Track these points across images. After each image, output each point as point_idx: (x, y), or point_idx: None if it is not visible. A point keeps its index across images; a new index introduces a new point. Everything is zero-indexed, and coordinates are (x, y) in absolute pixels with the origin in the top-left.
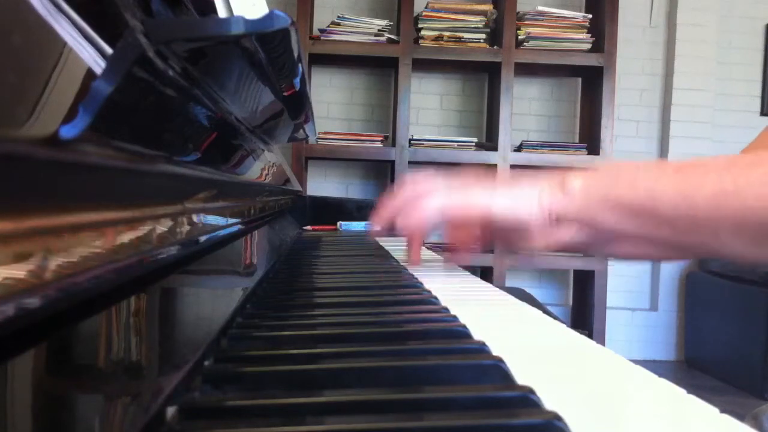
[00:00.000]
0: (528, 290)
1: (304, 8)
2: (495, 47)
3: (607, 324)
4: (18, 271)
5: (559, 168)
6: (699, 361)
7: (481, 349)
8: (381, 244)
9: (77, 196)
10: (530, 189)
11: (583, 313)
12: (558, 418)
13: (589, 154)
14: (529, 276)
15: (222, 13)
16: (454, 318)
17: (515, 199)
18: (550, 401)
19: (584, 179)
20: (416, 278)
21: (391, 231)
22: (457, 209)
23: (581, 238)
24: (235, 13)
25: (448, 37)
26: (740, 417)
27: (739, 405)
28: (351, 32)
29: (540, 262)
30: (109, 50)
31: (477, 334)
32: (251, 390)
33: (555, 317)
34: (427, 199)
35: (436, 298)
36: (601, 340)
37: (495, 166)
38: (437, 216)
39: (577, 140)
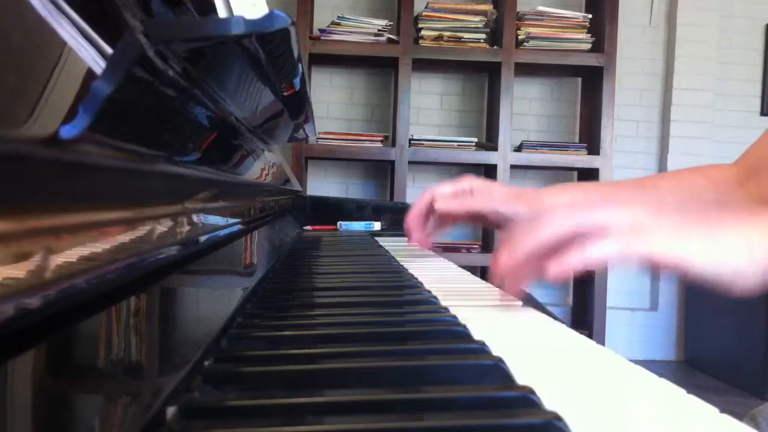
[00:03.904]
0: (528, 290)
1: (304, 8)
2: (495, 47)
3: (607, 324)
4: (18, 271)
5: (559, 168)
6: (699, 361)
7: (482, 349)
8: (381, 243)
9: (77, 196)
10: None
11: (583, 313)
12: (558, 418)
13: (589, 154)
14: None
15: (222, 13)
16: (454, 318)
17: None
18: (550, 401)
19: None
20: (417, 278)
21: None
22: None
23: None
24: (235, 13)
25: (448, 37)
26: (740, 417)
27: (739, 405)
28: (351, 32)
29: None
30: (109, 50)
31: (477, 334)
32: (251, 390)
33: (555, 317)
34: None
35: (436, 298)
36: (601, 340)
37: (495, 166)
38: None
39: (577, 140)
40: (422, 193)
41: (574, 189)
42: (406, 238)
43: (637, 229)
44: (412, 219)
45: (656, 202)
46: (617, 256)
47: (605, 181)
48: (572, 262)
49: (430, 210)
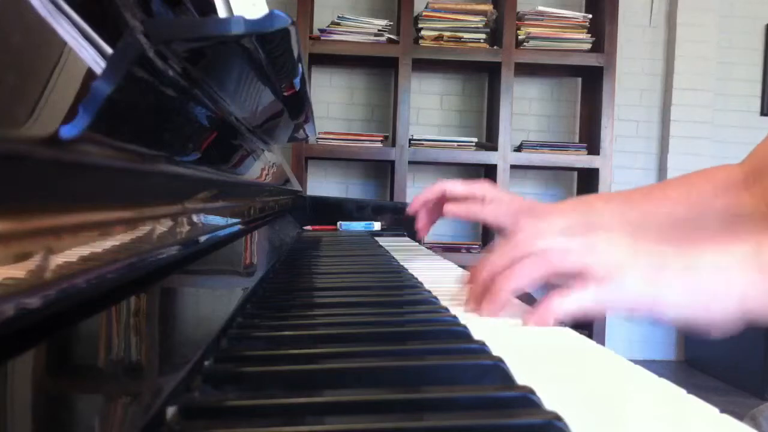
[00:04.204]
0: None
1: (304, 8)
2: (495, 47)
3: (607, 324)
4: (18, 271)
5: (559, 168)
6: (699, 361)
7: (482, 349)
8: (381, 243)
9: (77, 196)
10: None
11: None
12: (558, 418)
13: (589, 154)
14: None
15: (222, 13)
16: (454, 318)
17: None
18: (550, 401)
19: None
20: (417, 278)
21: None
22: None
23: None
24: (235, 13)
25: (448, 37)
26: (740, 417)
27: (739, 405)
28: (351, 32)
29: None
30: (109, 50)
31: (477, 334)
32: (251, 390)
33: None
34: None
35: (435, 298)
36: (601, 340)
37: (495, 166)
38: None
39: (577, 140)
40: (434, 185)
41: (582, 207)
42: (406, 238)
43: (612, 274)
44: (418, 205)
45: (649, 227)
46: (592, 306)
47: (615, 194)
48: (549, 315)
49: (437, 201)
